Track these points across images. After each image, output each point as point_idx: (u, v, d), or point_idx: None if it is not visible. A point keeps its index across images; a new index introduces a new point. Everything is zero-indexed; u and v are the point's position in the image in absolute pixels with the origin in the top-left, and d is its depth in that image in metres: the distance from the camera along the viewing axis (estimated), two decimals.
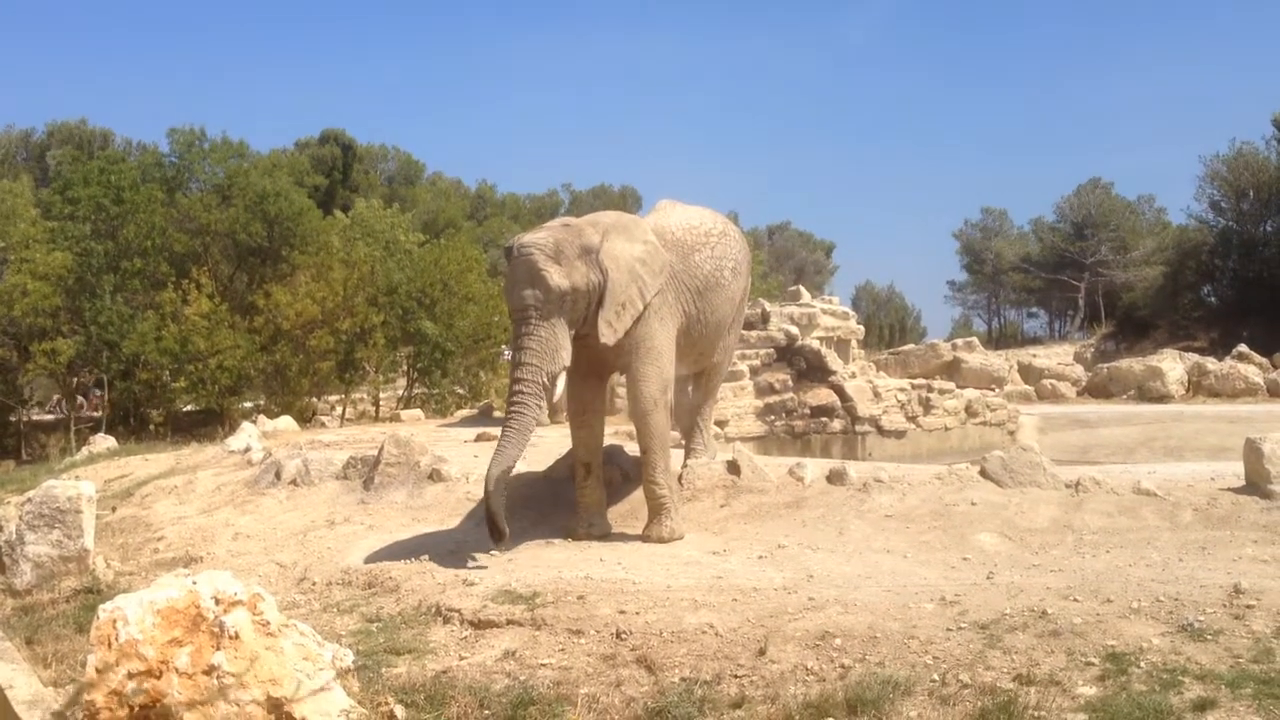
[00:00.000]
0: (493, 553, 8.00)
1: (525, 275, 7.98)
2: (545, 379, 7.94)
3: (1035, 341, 48.98)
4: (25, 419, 25.52)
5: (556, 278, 7.94)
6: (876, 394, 17.01)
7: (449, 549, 8.15)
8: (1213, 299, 39.64)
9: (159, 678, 4.40)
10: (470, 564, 7.72)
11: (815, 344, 17.18)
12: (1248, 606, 5.93)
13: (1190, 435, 18.07)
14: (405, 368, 25.91)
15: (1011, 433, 18.62)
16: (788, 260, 60.92)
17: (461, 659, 5.95)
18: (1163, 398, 22.79)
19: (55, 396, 27.99)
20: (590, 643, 6.00)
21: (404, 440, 10.43)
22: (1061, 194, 55.73)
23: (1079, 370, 26.59)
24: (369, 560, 8.07)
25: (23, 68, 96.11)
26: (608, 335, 8.21)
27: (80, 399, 26.14)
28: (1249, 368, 23.51)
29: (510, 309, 8.26)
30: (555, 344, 7.97)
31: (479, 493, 9.55)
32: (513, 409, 8.04)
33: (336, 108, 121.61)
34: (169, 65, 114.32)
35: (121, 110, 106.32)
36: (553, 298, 7.93)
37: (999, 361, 25.12)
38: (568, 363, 8.06)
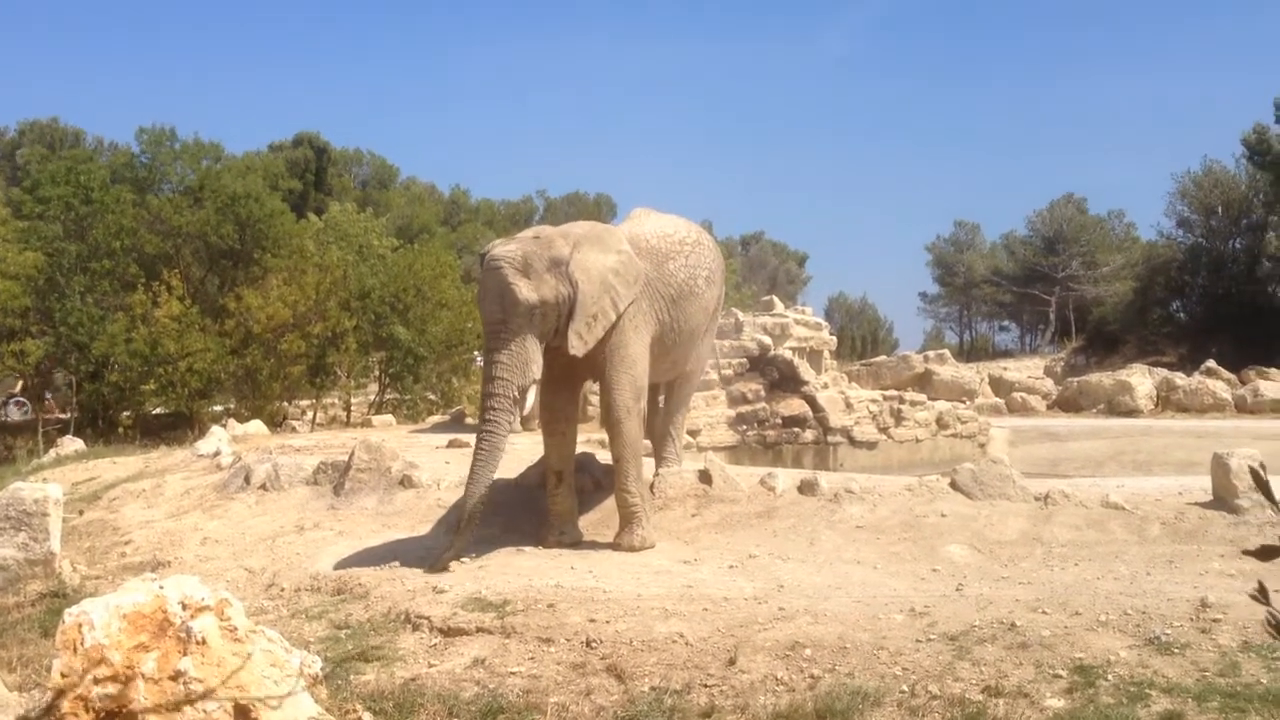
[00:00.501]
0: (463, 560, 7.97)
1: (494, 289, 7.99)
2: (516, 393, 7.95)
3: (1006, 354, 49.37)
4: None
5: (525, 291, 7.93)
6: (848, 405, 17.06)
7: (419, 555, 8.11)
8: (1182, 315, 40.03)
9: (125, 683, 4.36)
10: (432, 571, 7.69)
11: (788, 354, 17.22)
12: (1214, 620, 5.97)
13: (1159, 450, 18.21)
14: (377, 373, 25.79)
15: (982, 445, 18.71)
16: (761, 270, 61.07)
17: (431, 666, 5.93)
18: (1132, 412, 22.96)
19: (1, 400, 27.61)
20: (560, 651, 5.99)
21: (375, 446, 10.38)
22: (1034, 208, 56.29)
23: (1049, 384, 26.77)
24: (338, 566, 8.02)
25: None
26: (577, 347, 8.22)
27: (20, 402, 25.76)
28: (1217, 383, 23.72)
29: (482, 321, 8.28)
30: (525, 357, 7.97)
31: (450, 499, 9.55)
32: (485, 428, 8.06)
33: (311, 111, 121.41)
34: (144, 66, 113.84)
35: (95, 110, 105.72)
36: (521, 311, 7.93)
37: (970, 374, 25.25)
38: (538, 375, 8.07)
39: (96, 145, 45.75)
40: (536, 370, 8.05)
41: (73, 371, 23.18)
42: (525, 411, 8.30)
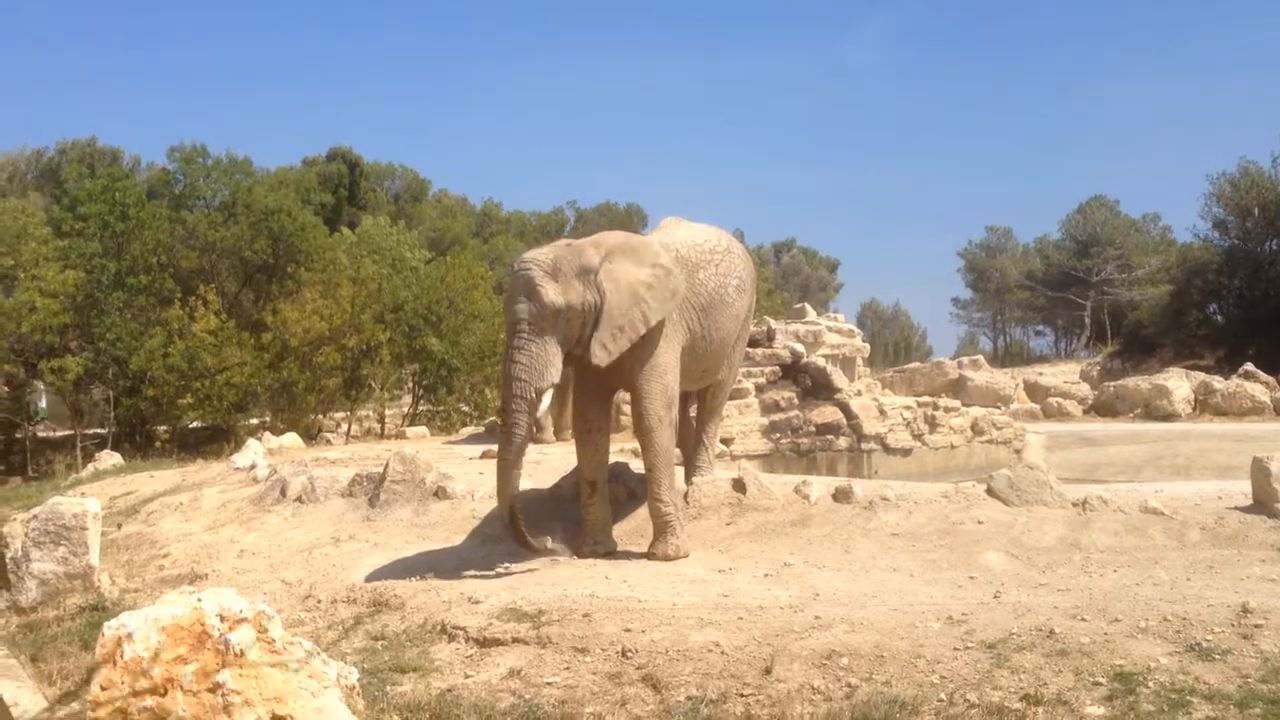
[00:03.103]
0: (497, 570, 8.00)
1: (521, 290, 7.99)
2: (534, 394, 7.90)
3: (1041, 359, 49.11)
4: (32, 435, 25.54)
5: (551, 294, 7.93)
6: (882, 412, 16.98)
7: (454, 566, 8.14)
8: (1219, 317, 39.59)
9: (164, 695, 4.40)
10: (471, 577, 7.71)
11: (821, 362, 17.17)
12: (1256, 626, 5.89)
13: (1197, 454, 18.01)
14: (411, 385, 25.93)
15: (1018, 451, 18.57)
16: (793, 277, 61.02)
17: (466, 677, 5.94)
18: (1169, 416, 22.73)
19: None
20: (596, 661, 5.99)
21: (409, 457, 10.42)
22: (1066, 211, 55.97)
23: (1085, 388, 26.53)
24: (374, 578, 8.05)
25: (34, 86, 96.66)
26: (600, 356, 8.19)
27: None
28: (1256, 386, 23.45)
29: (506, 323, 8.24)
30: (545, 360, 7.95)
31: (484, 510, 9.57)
32: (506, 431, 8.01)
33: (344, 126, 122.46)
34: (179, 85, 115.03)
35: (132, 129, 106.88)
36: (546, 314, 7.92)
37: (1005, 380, 25.07)
38: (556, 380, 8.04)
39: (133, 164, 46.30)
40: (555, 375, 8.02)
41: (111, 387, 23.43)
42: (538, 413, 8.26)
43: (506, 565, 8.14)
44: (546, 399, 8.09)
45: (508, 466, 7.96)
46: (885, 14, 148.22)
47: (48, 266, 22.95)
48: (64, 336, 23.35)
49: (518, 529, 8.02)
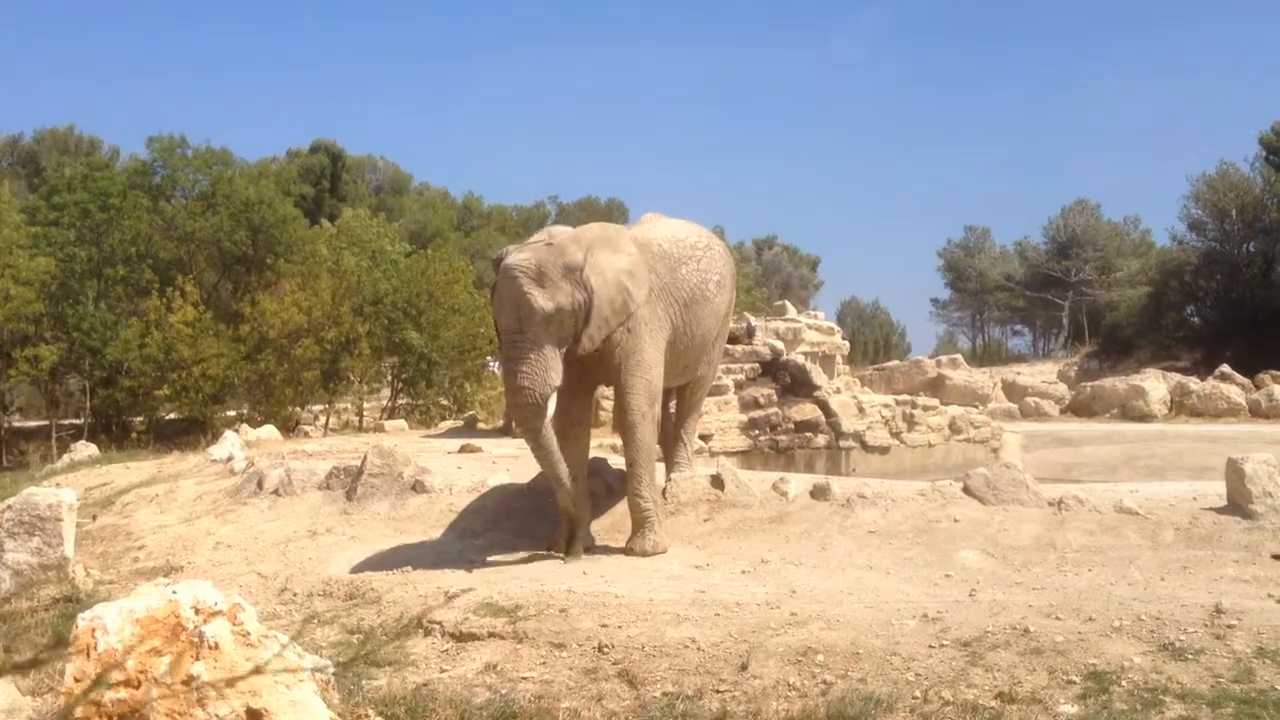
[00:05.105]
0: (474, 565, 7.99)
1: (510, 299, 8.00)
2: (539, 399, 7.95)
3: (1019, 359, 49.23)
4: (6, 425, 25.34)
5: (540, 300, 7.92)
6: (861, 409, 17.02)
7: (431, 560, 8.12)
8: (1196, 319, 39.84)
9: (137, 687, 4.37)
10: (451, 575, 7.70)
11: (800, 359, 17.18)
12: (1229, 626, 5.94)
13: (1173, 455, 18.11)
14: (390, 378, 25.84)
15: (995, 450, 18.64)
16: (774, 274, 60.98)
17: (442, 671, 5.93)
18: (1145, 417, 22.85)
19: None
20: (572, 656, 5.98)
21: (387, 451, 10.39)
22: (1045, 213, 56.25)
23: (1062, 388, 26.64)
24: (351, 571, 8.03)
25: (11, 73, 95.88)
26: (586, 346, 8.25)
27: None
28: (1231, 388, 23.60)
29: (498, 330, 8.26)
30: (545, 364, 7.97)
31: (462, 504, 9.58)
32: (530, 438, 8.23)
33: (327, 118, 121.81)
34: (162, 76, 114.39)
35: (112, 119, 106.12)
36: (537, 320, 7.92)
37: (983, 379, 25.15)
38: (558, 382, 8.05)
39: (112, 153, 45.97)
40: (557, 377, 8.04)
41: (86, 377, 23.28)
42: (548, 418, 8.30)
43: (484, 559, 8.13)
44: (553, 402, 8.11)
45: (551, 462, 8.22)
46: (874, 9, 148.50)
47: (19, 254, 22.75)
48: (39, 326, 23.19)
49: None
